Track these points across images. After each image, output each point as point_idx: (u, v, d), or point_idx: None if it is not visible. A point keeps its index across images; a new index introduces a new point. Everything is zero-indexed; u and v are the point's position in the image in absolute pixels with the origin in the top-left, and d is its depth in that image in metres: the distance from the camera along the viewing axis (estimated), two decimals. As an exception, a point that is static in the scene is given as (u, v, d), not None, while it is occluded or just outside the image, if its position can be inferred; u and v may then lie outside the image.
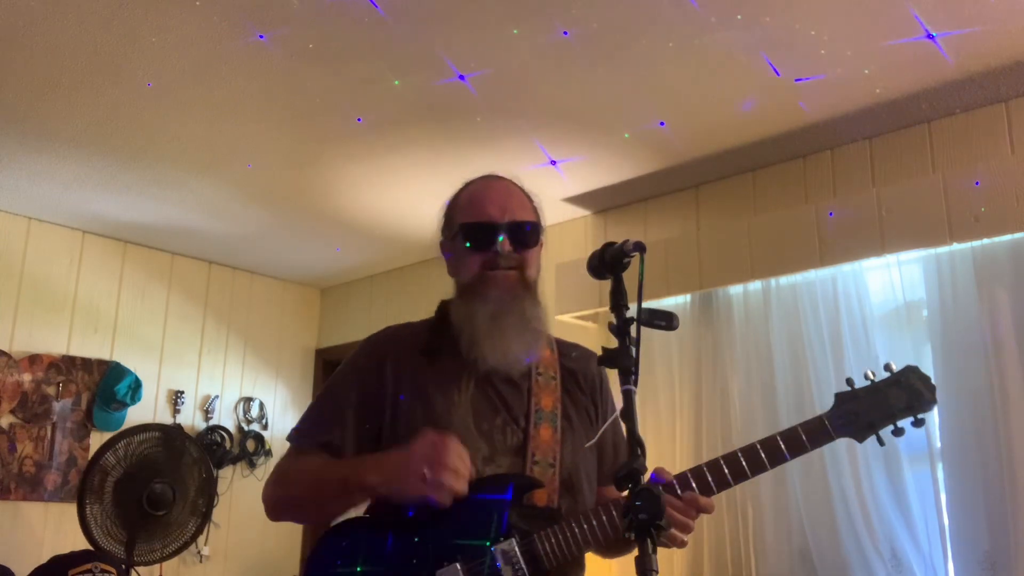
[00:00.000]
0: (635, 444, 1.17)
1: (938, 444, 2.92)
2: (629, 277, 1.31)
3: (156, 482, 3.54)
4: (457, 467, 1.40)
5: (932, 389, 1.53)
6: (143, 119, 3.23)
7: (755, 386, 3.36)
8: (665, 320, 1.28)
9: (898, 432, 1.52)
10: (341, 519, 1.56)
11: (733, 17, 2.49)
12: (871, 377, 1.54)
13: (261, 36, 2.64)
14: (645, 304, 1.26)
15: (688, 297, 3.62)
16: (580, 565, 1.55)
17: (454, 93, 2.97)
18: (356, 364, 1.64)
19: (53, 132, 3.35)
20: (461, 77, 2.85)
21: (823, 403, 3.17)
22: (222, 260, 4.94)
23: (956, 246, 2.91)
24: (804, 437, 1.50)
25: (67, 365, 4.27)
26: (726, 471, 1.48)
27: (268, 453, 4.95)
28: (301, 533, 5.05)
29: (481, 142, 3.34)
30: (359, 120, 3.18)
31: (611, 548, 1.59)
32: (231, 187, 3.86)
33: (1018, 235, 2.79)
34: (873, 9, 2.45)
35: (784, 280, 3.37)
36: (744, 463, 1.48)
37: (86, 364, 4.33)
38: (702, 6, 2.44)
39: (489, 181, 1.66)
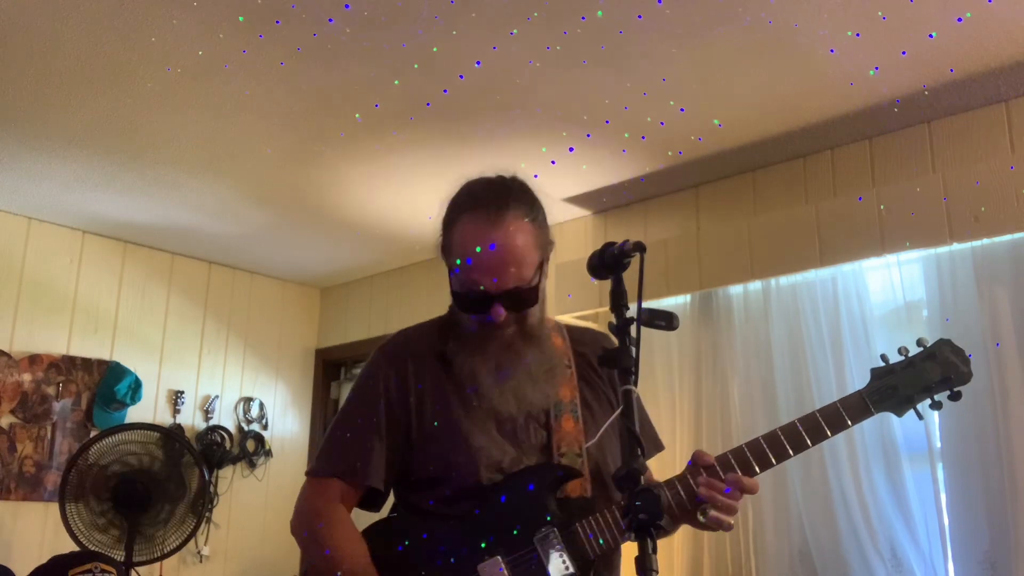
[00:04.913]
0: (634, 444, 1.17)
1: (938, 444, 2.92)
2: (629, 277, 1.31)
3: (134, 481, 3.55)
4: None
5: (967, 361, 1.52)
6: (143, 119, 3.23)
7: (755, 386, 3.36)
8: (665, 320, 1.29)
9: (936, 405, 1.52)
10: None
11: (734, 17, 2.49)
12: (905, 352, 1.53)
13: (261, 36, 2.65)
14: (645, 304, 1.26)
15: (688, 297, 3.62)
16: (619, 554, 1.54)
17: (454, 93, 2.97)
18: (374, 379, 1.56)
19: (53, 132, 3.35)
20: (461, 77, 2.85)
21: (823, 403, 3.21)
22: (222, 260, 4.93)
23: (956, 246, 2.91)
24: (844, 413, 1.50)
25: (67, 365, 4.27)
26: (767, 449, 1.48)
27: (268, 453, 4.94)
28: (301, 533, 5.05)
29: (481, 142, 3.34)
30: (359, 120, 3.18)
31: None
32: (231, 187, 3.86)
33: (1018, 235, 2.79)
34: (874, 9, 2.45)
35: (784, 280, 3.37)
36: (784, 441, 1.49)
37: (86, 364, 4.33)
38: (703, 6, 2.45)
39: (483, 230, 1.45)
